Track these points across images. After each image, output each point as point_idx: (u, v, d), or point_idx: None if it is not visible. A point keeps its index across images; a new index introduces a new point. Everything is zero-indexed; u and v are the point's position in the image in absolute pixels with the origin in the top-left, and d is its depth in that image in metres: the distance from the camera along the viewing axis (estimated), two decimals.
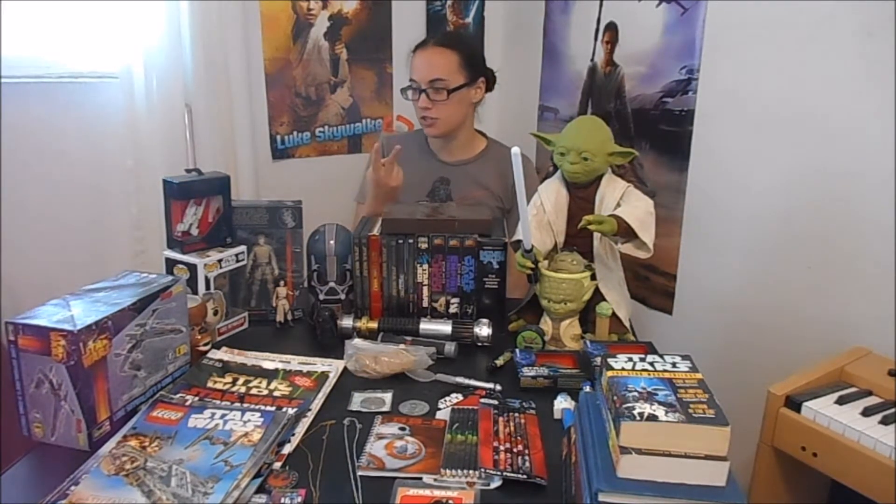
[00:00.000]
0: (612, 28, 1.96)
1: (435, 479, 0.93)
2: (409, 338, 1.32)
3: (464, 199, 1.79)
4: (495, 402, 1.12)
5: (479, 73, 1.78)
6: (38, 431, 1.02)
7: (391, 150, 1.88)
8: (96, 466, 0.92)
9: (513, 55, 2.39)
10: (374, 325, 1.37)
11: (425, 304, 1.43)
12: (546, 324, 1.34)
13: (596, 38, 2.03)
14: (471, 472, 0.94)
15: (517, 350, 1.28)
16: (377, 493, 0.91)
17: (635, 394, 0.78)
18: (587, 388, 0.95)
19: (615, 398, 0.78)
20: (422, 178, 1.83)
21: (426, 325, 1.36)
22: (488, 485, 0.93)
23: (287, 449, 1.00)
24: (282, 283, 1.45)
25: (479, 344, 1.34)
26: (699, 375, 0.83)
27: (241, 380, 1.20)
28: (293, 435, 1.03)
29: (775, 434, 1.28)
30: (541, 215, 1.36)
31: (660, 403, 0.77)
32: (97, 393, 1.00)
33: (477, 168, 1.83)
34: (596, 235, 1.34)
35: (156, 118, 1.83)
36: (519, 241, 1.30)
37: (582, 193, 1.34)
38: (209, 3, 1.85)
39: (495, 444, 0.99)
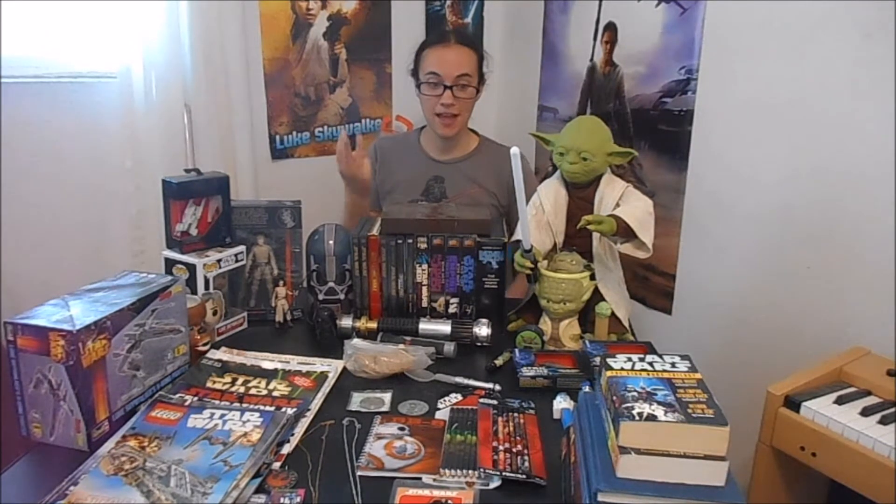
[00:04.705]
0: (611, 28, 1.96)
1: (434, 479, 0.93)
2: (408, 338, 1.32)
3: (458, 197, 1.79)
4: (494, 402, 1.12)
5: (483, 71, 1.80)
6: (37, 431, 1.02)
7: (388, 152, 1.90)
8: (95, 466, 0.92)
9: (512, 55, 2.39)
10: (373, 325, 1.37)
11: (424, 304, 1.43)
12: (545, 324, 1.34)
13: (595, 38, 2.03)
14: (470, 472, 0.94)
15: (516, 350, 1.28)
16: (376, 493, 0.91)
17: (634, 394, 0.78)
18: (586, 388, 0.95)
19: (614, 398, 0.78)
20: (415, 178, 1.83)
21: (425, 325, 1.36)
22: (487, 485, 0.93)
23: (286, 449, 1.00)
24: (281, 283, 1.45)
25: (479, 344, 1.34)
26: (698, 375, 0.83)
27: (241, 380, 1.20)
28: (292, 435, 1.03)
29: (774, 434, 1.28)
30: (540, 215, 1.36)
31: (659, 403, 0.77)
32: (96, 393, 1.00)
33: (470, 165, 1.84)
34: (595, 235, 1.34)
35: (155, 118, 1.83)
36: (518, 241, 1.30)
37: (581, 193, 1.35)
38: (208, 3, 1.85)
39: (494, 444, 0.99)
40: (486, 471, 0.94)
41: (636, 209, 1.27)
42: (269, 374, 1.22)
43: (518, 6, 2.38)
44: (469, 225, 1.42)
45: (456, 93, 1.71)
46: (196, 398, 1.12)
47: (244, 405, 1.11)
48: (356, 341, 1.30)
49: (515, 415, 1.08)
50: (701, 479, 0.74)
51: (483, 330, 1.34)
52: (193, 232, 1.38)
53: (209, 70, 1.88)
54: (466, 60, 1.73)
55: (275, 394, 1.16)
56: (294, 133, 2.20)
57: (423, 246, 1.39)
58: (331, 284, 1.45)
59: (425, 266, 1.40)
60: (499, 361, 1.27)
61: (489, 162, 1.83)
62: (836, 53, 1.41)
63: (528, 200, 1.30)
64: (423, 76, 1.75)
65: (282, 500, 0.89)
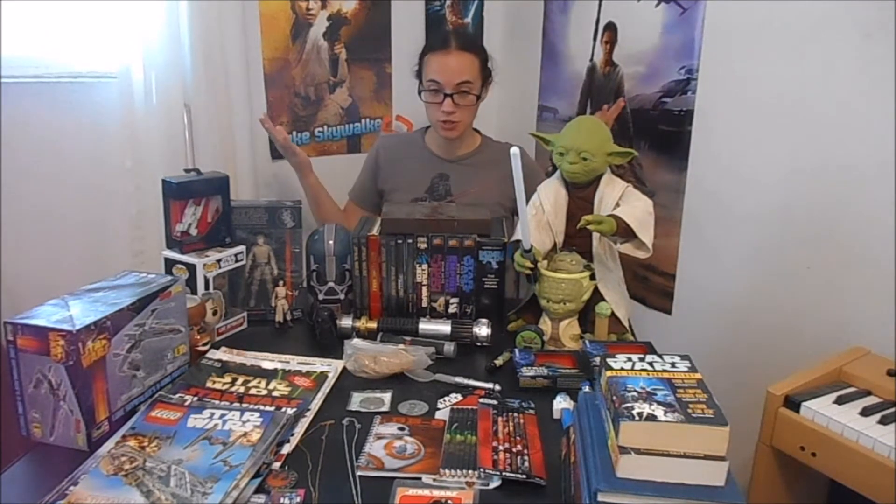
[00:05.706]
0: (611, 28, 1.96)
1: (434, 479, 0.93)
2: (408, 338, 1.32)
3: (464, 195, 1.80)
4: (494, 402, 1.12)
5: (489, 72, 1.79)
6: (37, 431, 1.02)
7: (392, 150, 1.90)
8: (95, 466, 0.92)
9: (512, 55, 2.38)
10: (373, 325, 1.37)
11: (424, 304, 1.43)
12: (545, 324, 1.34)
13: (595, 38, 2.03)
14: (470, 472, 0.94)
15: (516, 350, 1.28)
16: (376, 493, 0.91)
17: (634, 394, 0.78)
18: (586, 388, 0.95)
19: (614, 398, 0.78)
20: (421, 175, 1.83)
21: (425, 325, 1.36)
22: (487, 485, 0.93)
23: (286, 449, 1.00)
24: (281, 283, 1.45)
25: (479, 344, 1.34)
26: (698, 375, 0.83)
27: (241, 380, 1.20)
28: (292, 435, 1.03)
29: (774, 434, 1.28)
30: (540, 215, 1.36)
31: (659, 403, 0.77)
32: (96, 393, 1.00)
33: (475, 163, 1.84)
34: (595, 235, 1.34)
35: (155, 118, 1.83)
36: (518, 241, 1.30)
37: (581, 193, 1.35)
38: (208, 3, 1.85)
39: (494, 444, 0.99)
40: (486, 471, 0.93)
41: (636, 209, 1.27)
42: (269, 374, 1.22)
43: (518, 6, 2.38)
44: (469, 225, 1.42)
45: (456, 100, 1.71)
46: (196, 398, 1.12)
47: (244, 405, 1.11)
48: (356, 341, 1.30)
49: (515, 415, 1.08)
50: (701, 479, 0.74)
51: (483, 330, 1.34)
52: (193, 232, 1.38)
53: (209, 70, 1.88)
54: (467, 67, 1.72)
55: (275, 394, 1.16)
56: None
57: (423, 246, 1.39)
58: (331, 284, 1.45)
59: (425, 266, 1.40)
60: (499, 361, 1.27)
61: (493, 159, 1.83)
62: (836, 53, 1.41)
63: (528, 200, 1.30)
64: (424, 82, 1.76)
65: (282, 500, 0.89)
